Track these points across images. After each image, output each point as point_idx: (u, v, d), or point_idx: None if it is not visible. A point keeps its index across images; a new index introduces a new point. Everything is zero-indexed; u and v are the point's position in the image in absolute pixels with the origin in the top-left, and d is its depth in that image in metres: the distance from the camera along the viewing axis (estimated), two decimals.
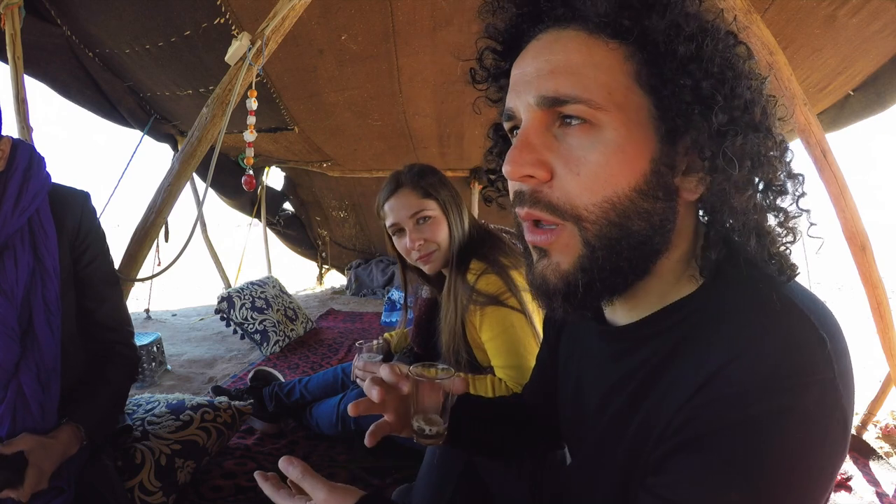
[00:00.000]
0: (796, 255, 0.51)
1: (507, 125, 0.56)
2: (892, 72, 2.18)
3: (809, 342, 0.43)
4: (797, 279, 0.50)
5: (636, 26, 0.46)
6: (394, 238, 1.36)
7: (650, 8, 0.46)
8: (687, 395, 0.45)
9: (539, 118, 0.49)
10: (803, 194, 0.50)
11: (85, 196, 1.12)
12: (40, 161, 1.03)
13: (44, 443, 0.92)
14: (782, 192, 0.49)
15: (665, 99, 0.47)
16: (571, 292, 0.50)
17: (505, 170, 0.50)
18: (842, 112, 2.52)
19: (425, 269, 1.34)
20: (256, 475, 0.61)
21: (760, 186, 0.48)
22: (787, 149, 0.49)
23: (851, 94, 2.41)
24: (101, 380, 1.10)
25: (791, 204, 0.49)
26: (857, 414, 1.96)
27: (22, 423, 0.94)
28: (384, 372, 0.68)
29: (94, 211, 1.13)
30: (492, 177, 0.70)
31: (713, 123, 0.45)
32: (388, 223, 1.34)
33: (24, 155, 1.00)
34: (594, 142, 0.47)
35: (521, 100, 0.50)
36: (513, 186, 0.53)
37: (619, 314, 0.57)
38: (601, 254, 0.48)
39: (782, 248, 0.50)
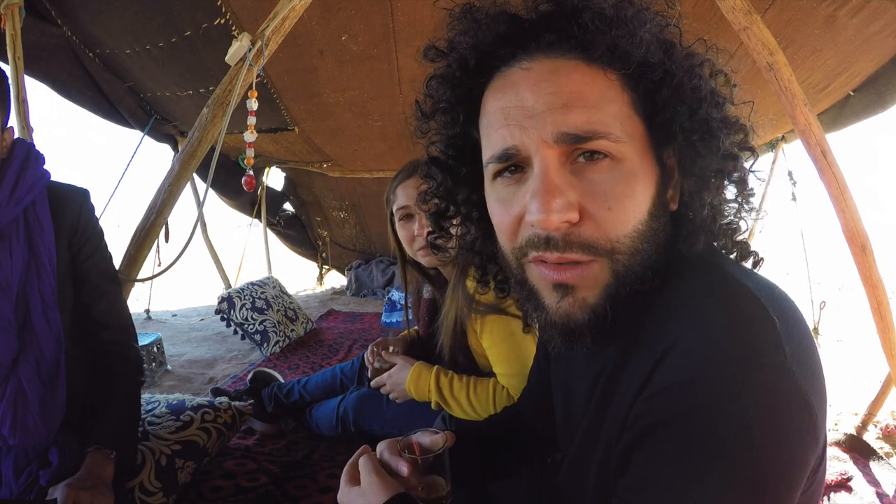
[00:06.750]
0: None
1: (498, 166, 0.49)
2: (893, 72, 2.18)
3: (755, 323, 0.41)
4: (763, 272, 0.53)
5: (638, 56, 0.46)
6: (398, 224, 1.29)
7: (648, 38, 0.47)
8: (638, 389, 0.45)
9: (557, 156, 0.46)
10: (754, 193, 0.55)
11: (84, 193, 1.12)
12: (38, 156, 1.04)
13: (76, 484, 0.92)
14: (750, 200, 0.54)
15: (657, 124, 0.48)
16: (599, 324, 0.48)
17: (536, 219, 0.45)
18: (842, 112, 2.52)
19: (424, 261, 1.29)
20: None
21: (736, 193, 0.52)
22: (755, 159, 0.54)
23: (852, 94, 2.41)
24: (107, 396, 1.10)
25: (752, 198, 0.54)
26: (856, 414, 1.96)
27: (23, 419, 0.94)
28: (386, 455, 0.66)
29: (92, 208, 1.13)
30: (442, 222, 0.65)
31: (719, 147, 0.47)
32: (396, 206, 1.27)
33: (22, 148, 1.02)
34: (616, 175, 0.46)
35: (530, 136, 0.46)
36: (531, 230, 0.48)
37: None
38: (628, 282, 0.47)
39: (740, 237, 0.54)
